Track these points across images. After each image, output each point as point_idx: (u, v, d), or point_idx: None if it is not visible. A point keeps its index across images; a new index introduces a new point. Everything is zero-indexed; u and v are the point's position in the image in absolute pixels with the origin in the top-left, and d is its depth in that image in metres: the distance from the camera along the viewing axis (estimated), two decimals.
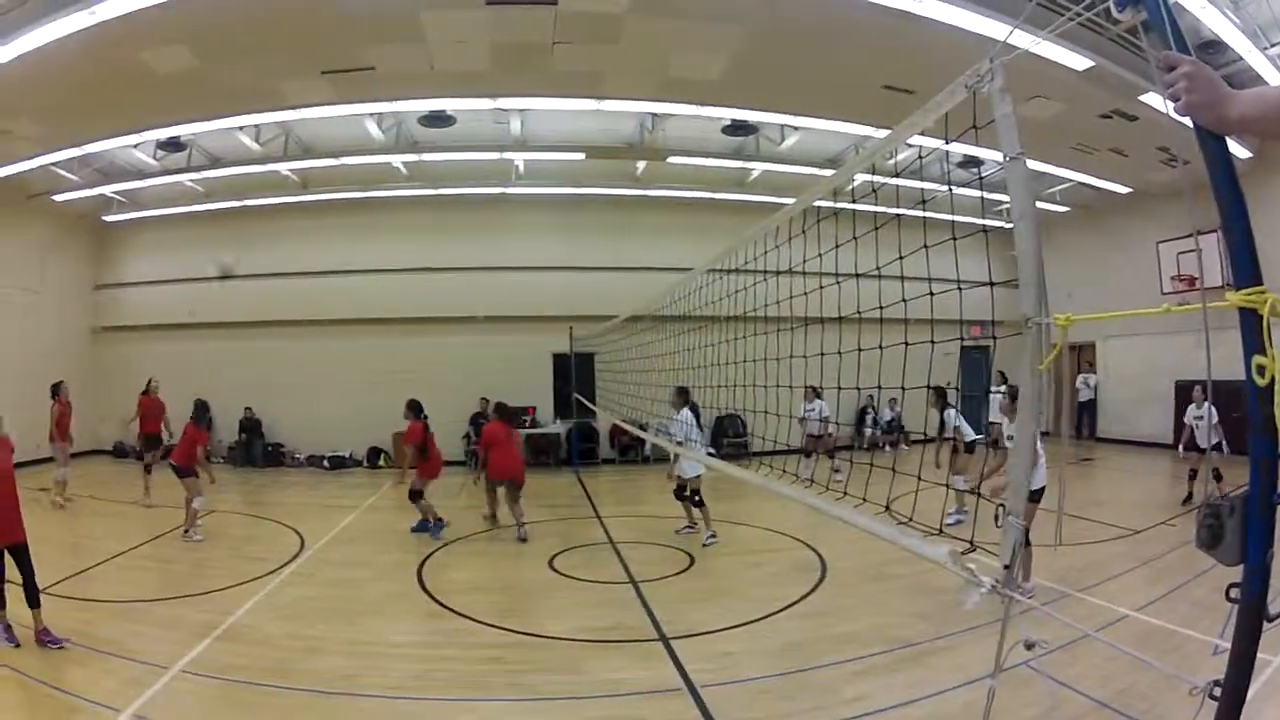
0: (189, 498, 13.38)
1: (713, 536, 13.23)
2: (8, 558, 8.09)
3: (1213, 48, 13.86)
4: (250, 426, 23.41)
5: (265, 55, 13.54)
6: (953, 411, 14.03)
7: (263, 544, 12.96)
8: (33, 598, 8.09)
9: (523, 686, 7.32)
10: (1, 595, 8.09)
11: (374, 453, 23.60)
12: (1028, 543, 9.12)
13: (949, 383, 15.33)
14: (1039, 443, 8.89)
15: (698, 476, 13.30)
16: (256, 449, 23.35)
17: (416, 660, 8.00)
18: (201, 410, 14.20)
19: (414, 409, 14.54)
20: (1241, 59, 13.97)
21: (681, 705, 6.89)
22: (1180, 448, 14.10)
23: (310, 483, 20.75)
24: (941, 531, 4.19)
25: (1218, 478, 12.34)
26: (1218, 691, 2.25)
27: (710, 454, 16.03)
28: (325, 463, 23.20)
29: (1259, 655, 2.18)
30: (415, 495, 14.31)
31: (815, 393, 16.17)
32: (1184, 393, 21.20)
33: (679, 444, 12.74)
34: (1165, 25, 2.37)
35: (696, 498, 13.45)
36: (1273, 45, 14.10)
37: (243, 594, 9.98)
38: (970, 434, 14.30)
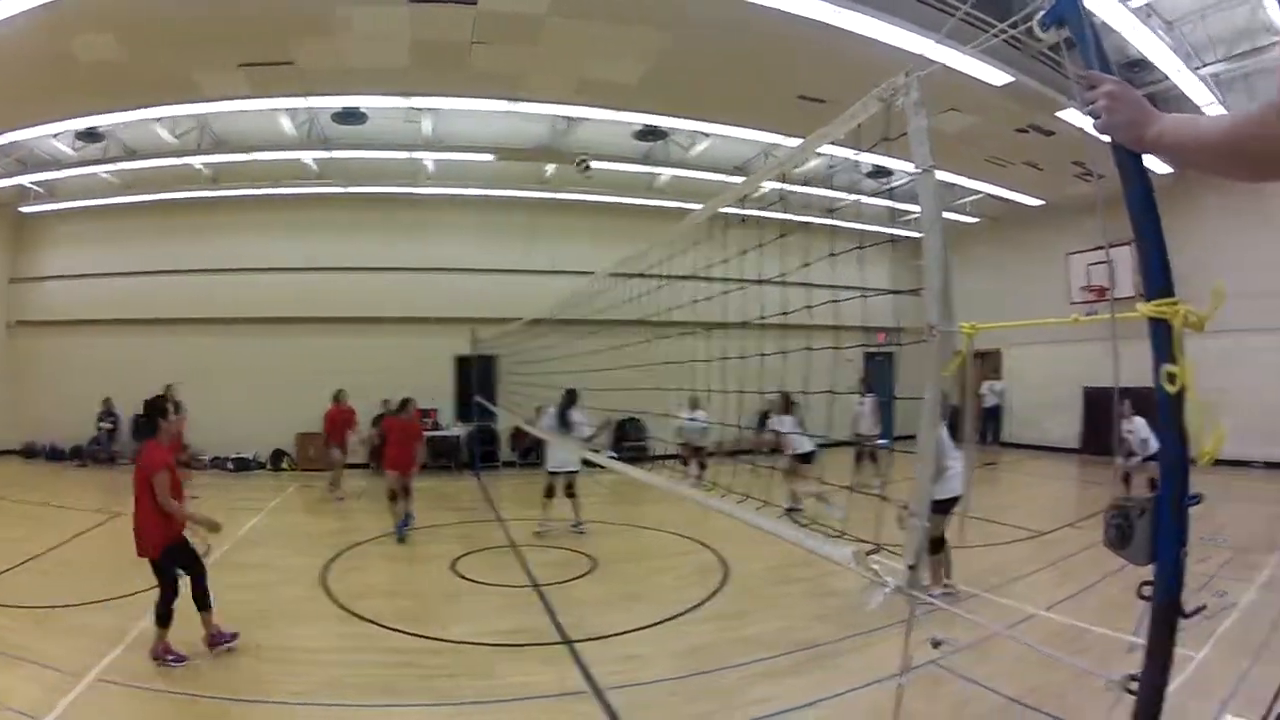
0: None
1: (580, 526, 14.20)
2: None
3: (1139, 67, 14.15)
4: None
5: (189, 46, 13.35)
6: (789, 420, 14.28)
7: None
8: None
9: (433, 691, 7.27)
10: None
11: (277, 455, 23.36)
12: (944, 544, 9.34)
13: (858, 389, 15.58)
14: (953, 452, 9.12)
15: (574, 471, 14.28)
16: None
17: (328, 665, 7.91)
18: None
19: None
20: (1168, 78, 14.29)
21: (590, 708, 6.89)
22: (1121, 457, 14.39)
23: (216, 484, 20.27)
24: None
25: (1153, 486, 12.67)
26: (1134, 686, 2.28)
27: (612, 456, 16.26)
28: (230, 464, 22.88)
29: (1183, 652, 2.22)
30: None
31: (696, 402, 16.36)
32: (1092, 399, 21.81)
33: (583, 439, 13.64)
34: (1089, 44, 2.40)
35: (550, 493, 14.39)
36: (1205, 65, 14.43)
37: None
38: (806, 445, 14.54)
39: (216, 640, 8.22)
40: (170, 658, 7.93)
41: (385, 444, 14.88)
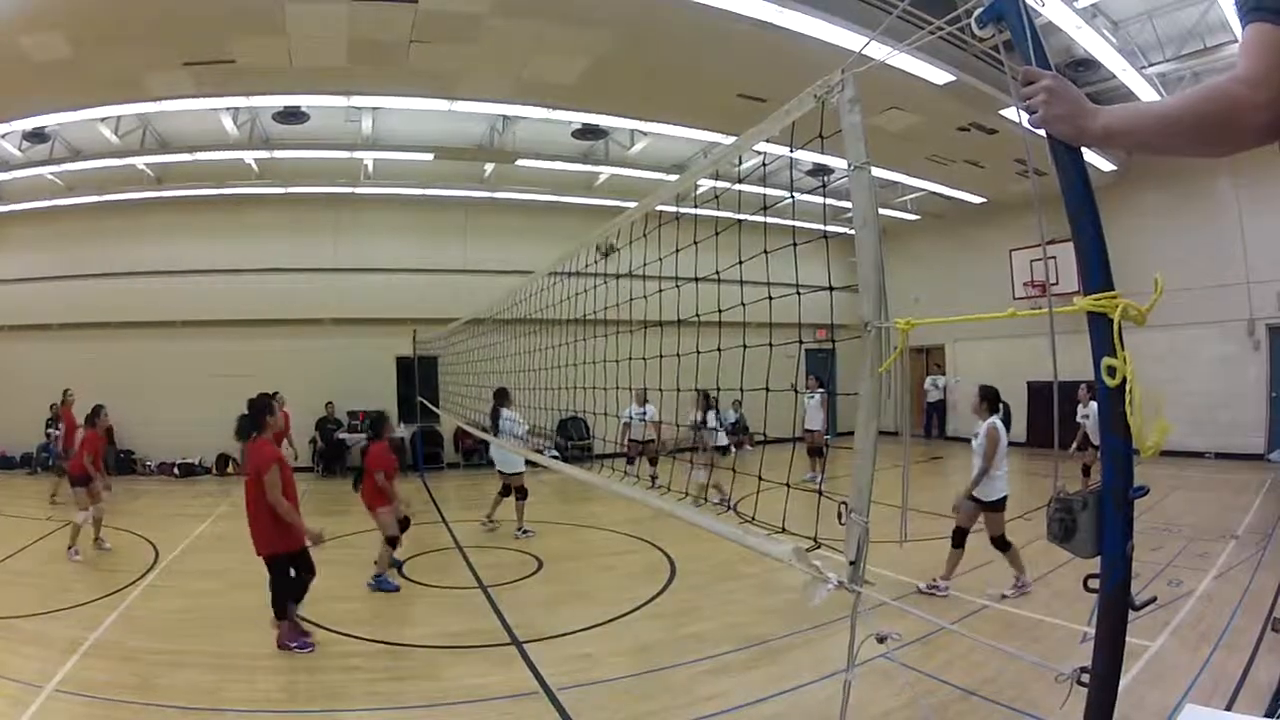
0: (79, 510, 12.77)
1: (524, 532, 14.00)
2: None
3: (1085, 66, 14.31)
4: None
5: (135, 44, 13.13)
6: (713, 414, 14.44)
7: (119, 555, 12.63)
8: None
9: (384, 695, 7.26)
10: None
11: (223, 460, 23.10)
12: (1009, 545, 9.34)
13: (793, 384, 15.68)
14: (1003, 452, 9.17)
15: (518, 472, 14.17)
16: (108, 456, 22.41)
17: (277, 672, 7.87)
18: (94, 414, 13.45)
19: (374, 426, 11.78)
20: (1114, 77, 14.49)
21: (541, 708, 6.89)
22: (1073, 446, 14.64)
23: (162, 491, 20.21)
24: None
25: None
26: (1086, 678, 2.30)
27: (555, 456, 16.20)
28: (175, 470, 22.61)
29: (1138, 642, 2.24)
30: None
31: (645, 397, 16.29)
32: (1035, 392, 22.02)
33: (516, 439, 13.54)
34: (1027, 41, 2.41)
35: (505, 492, 14.36)
36: (1151, 65, 14.61)
37: (104, 608, 9.72)
38: (722, 439, 14.78)
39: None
40: (294, 645, 8.36)
41: (366, 476, 11.34)
